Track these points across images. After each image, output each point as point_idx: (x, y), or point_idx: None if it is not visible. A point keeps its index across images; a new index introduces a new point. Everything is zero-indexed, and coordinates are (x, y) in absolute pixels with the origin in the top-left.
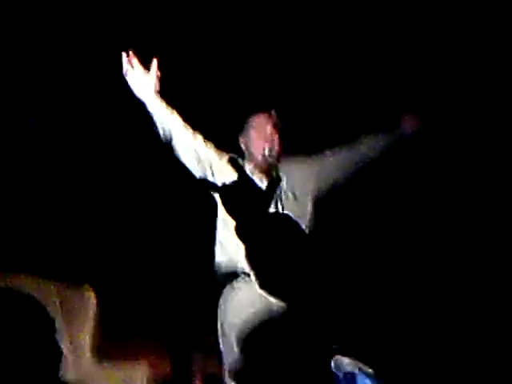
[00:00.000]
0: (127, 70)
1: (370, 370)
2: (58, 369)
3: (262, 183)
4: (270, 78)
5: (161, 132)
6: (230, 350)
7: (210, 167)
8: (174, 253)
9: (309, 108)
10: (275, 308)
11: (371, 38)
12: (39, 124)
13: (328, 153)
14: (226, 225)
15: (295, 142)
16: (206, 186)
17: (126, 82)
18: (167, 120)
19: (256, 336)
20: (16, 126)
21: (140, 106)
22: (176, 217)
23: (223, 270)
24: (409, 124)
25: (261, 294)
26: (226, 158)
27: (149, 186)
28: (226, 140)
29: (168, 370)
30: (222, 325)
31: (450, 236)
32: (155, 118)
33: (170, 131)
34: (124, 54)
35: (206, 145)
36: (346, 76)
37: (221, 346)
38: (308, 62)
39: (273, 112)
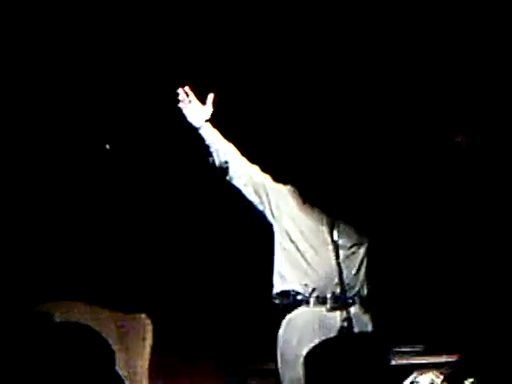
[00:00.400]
0: (184, 102)
1: None
2: None
3: (315, 208)
4: (313, 106)
5: (215, 157)
6: (290, 375)
7: (266, 193)
8: (230, 280)
9: (358, 130)
10: (335, 334)
11: (421, 58)
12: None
13: (381, 167)
14: (284, 253)
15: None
16: (263, 214)
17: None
18: (222, 146)
19: (318, 361)
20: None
21: (195, 135)
22: (234, 246)
23: (283, 299)
24: (463, 141)
25: (320, 321)
26: (281, 185)
27: (206, 214)
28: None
29: None
30: (282, 351)
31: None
32: (210, 144)
33: (225, 156)
34: (181, 89)
35: (261, 173)
36: (399, 90)
37: (280, 372)
38: (355, 81)
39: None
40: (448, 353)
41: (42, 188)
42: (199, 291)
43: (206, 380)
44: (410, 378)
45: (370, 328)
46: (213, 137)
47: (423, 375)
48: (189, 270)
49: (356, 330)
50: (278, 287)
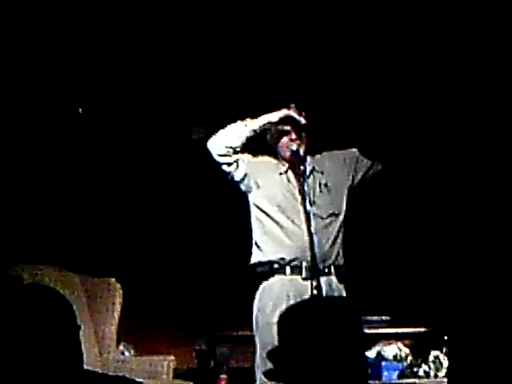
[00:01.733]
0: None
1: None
2: (82, 360)
3: (296, 179)
4: (293, 76)
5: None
6: (263, 342)
7: (245, 169)
8: (202, 246)
9: (335, 101)
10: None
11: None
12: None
13: (361, 144)
14: (260, 225)
15: (326, 135)
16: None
17: None
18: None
19: (292, 326)
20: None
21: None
22: (207, 212)
23: (260, 268)
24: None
25: (295, 290)
26: (259, 156)
27: (180, 179)
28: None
29: (193, 363)
30: (257, 317)
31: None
32: (250, 132)
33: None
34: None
35: None
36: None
37: (255, 338)
38: (331, 58)
39: (295, 108)
40: (414, 324)
41: (11, 152)
42: (170, 257)
43: (174, 346)
44: (376, 348)
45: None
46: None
47: (389, 346)
48: (160, 236)
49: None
50: (255, 258)
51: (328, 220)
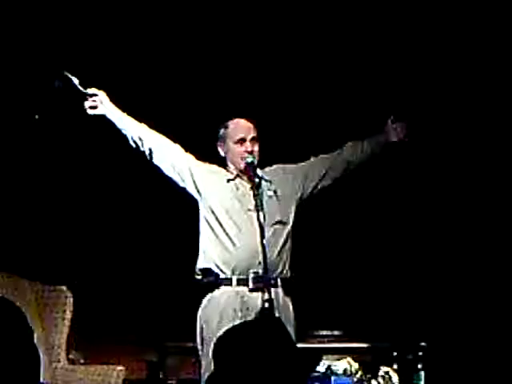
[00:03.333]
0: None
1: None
2: (32, 369)
3: (245, 187)
4: (245, 85)
5: (131, 141)
6: (209, 353)
7: (190, 174)
8: (151, 256)
9: (291, 112)
10: (256, 315)
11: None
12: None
13: (312, 158)
14: (209, 230)
15: (278, 147)
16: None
17: None
18: (133, 128)
19: (235, 340)
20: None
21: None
22: (156, 222)
23: (205, 276)
24: (395, 129)
25: (242, 302)
26: (206, 164)
27: (129, 191)
28: (205, 147)
29: (143, 373)
30: (202, 329)
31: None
32: (121, 128)
33: (139, 138)
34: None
35: (184, 152)
36: (328, 77)
37: (200, 352)
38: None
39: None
40: (364, 339)
41: None
42: (122, 266)
43: (125, 356)
44: (327, 363)
45: (291, 310)
46: (119, 119)
47: (339, 361)
48: (111, 244)
49: (277, 312)
50: (200, 263)
51: (274, 227)
